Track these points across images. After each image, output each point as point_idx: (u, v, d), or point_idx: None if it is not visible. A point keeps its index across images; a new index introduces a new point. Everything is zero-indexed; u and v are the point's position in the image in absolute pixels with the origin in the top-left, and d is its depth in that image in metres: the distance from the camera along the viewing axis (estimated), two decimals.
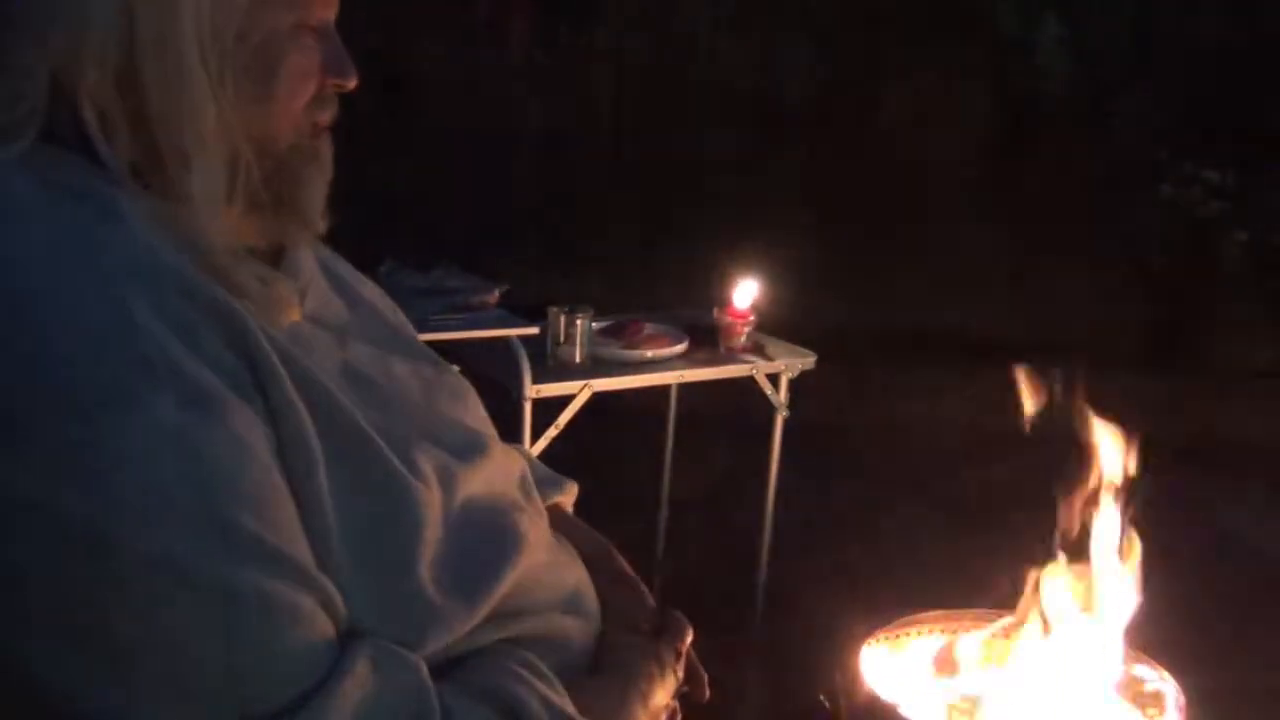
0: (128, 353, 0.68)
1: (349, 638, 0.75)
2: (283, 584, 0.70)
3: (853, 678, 1.51)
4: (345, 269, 1.06)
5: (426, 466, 0.84)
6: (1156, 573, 1.56)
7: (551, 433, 2.34)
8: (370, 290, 1.08)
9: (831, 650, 1.58)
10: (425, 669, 0.77)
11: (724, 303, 2.65)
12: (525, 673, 0.84)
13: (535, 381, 2.29)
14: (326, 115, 0.89)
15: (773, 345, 2.70)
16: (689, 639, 1.04)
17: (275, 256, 0.91)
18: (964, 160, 5.31)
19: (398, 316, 1.09)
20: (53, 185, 0.74)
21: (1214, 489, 3.96)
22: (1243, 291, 5.34)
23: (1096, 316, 5.22)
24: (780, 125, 5.44)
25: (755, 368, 2.60)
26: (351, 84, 0.88)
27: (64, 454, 0.65)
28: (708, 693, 1.07)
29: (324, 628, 0.73)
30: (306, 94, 0.86)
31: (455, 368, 1.10)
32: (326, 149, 0.90)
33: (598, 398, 2.39)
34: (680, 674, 1.01)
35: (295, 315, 0.85)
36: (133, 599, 0.66)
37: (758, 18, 5.46)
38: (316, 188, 0.89)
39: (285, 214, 0.87)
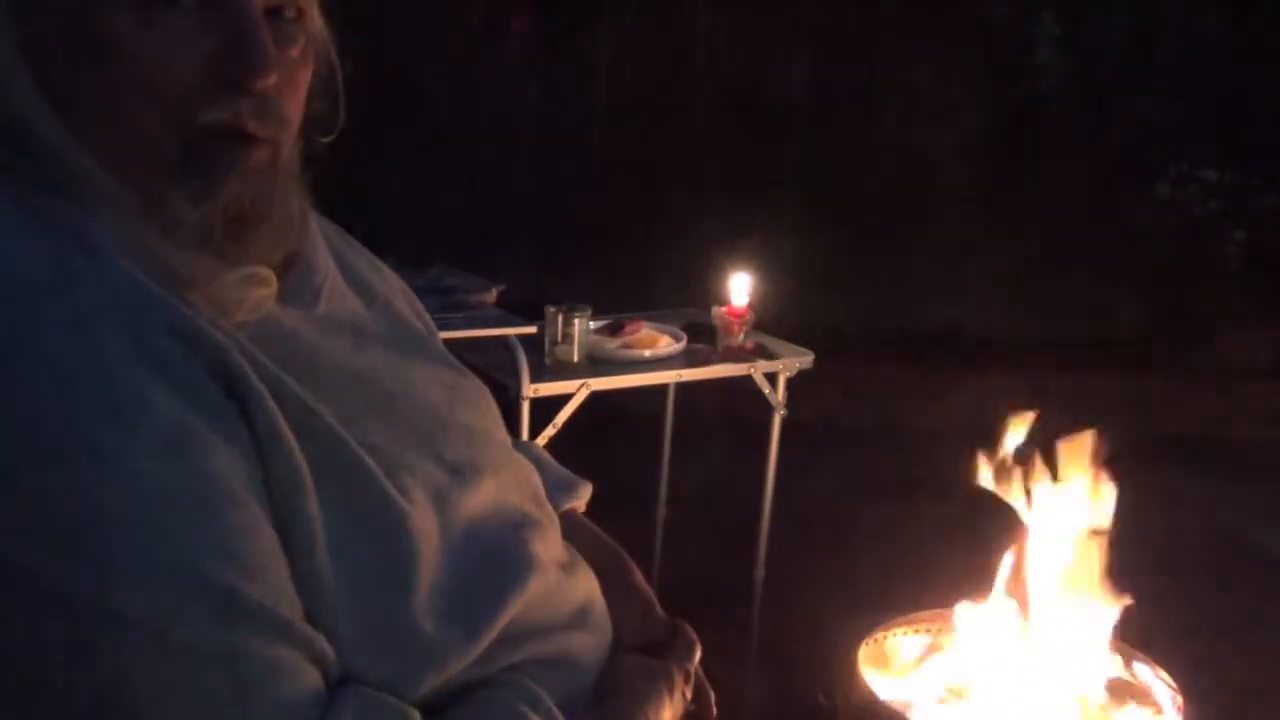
0: (100, 399, 0.65)
1: (337, 688, 0.72)
2: (264, 640, 0.67)
3: (851, 676, 1.51)
4: (363, 260, 1.03)
5: (421, 491, 0.81)
6: (1156, 572, 1.56)
7: (549, 432, 2.33)
8: (390, 285, 1.04)
9: (830, 649, 1.58)
10: (418, 717, 0.74)
11: (722, 302, 2.65)
12: (530, 713, 0.81)
13: (533, 381, 2.29)
14: (229, 115, 0.76)
15: (771, 344, 2.70)
16: (697, 657, 1.02)
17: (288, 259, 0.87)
18: (962, 159, 5.31)
19: (418, 314, 1.06)
20: (27, 214, 0.71)
21: (1213, 488, 3.96)
22: (1240, 290, 5.34)
23: (1094, 316, 5.22)
24: (778, 124, 5.44)
25: (753, 367, 2.60)
26: (259, 81, 0.76)
27: (33, 509, 0.62)
28: (715, 711, 1.04)
29: (309, 682, 0.70)
30: (176, 85, 0.74)
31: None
32: (270, 174, 0.80)
33: (596, 396, 2.39)
34: (688, 694, 0.99)
35: (267, 304, 0.80)
36: (103, 662, 0.63)
37: (756, 16, 5.46)
38: (265, 229, 0.81)
39: (245, 243, 0.79)
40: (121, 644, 0.63)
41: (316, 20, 0.85)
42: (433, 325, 1.08)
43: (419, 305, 1.08)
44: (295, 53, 0.81)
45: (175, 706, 0.65)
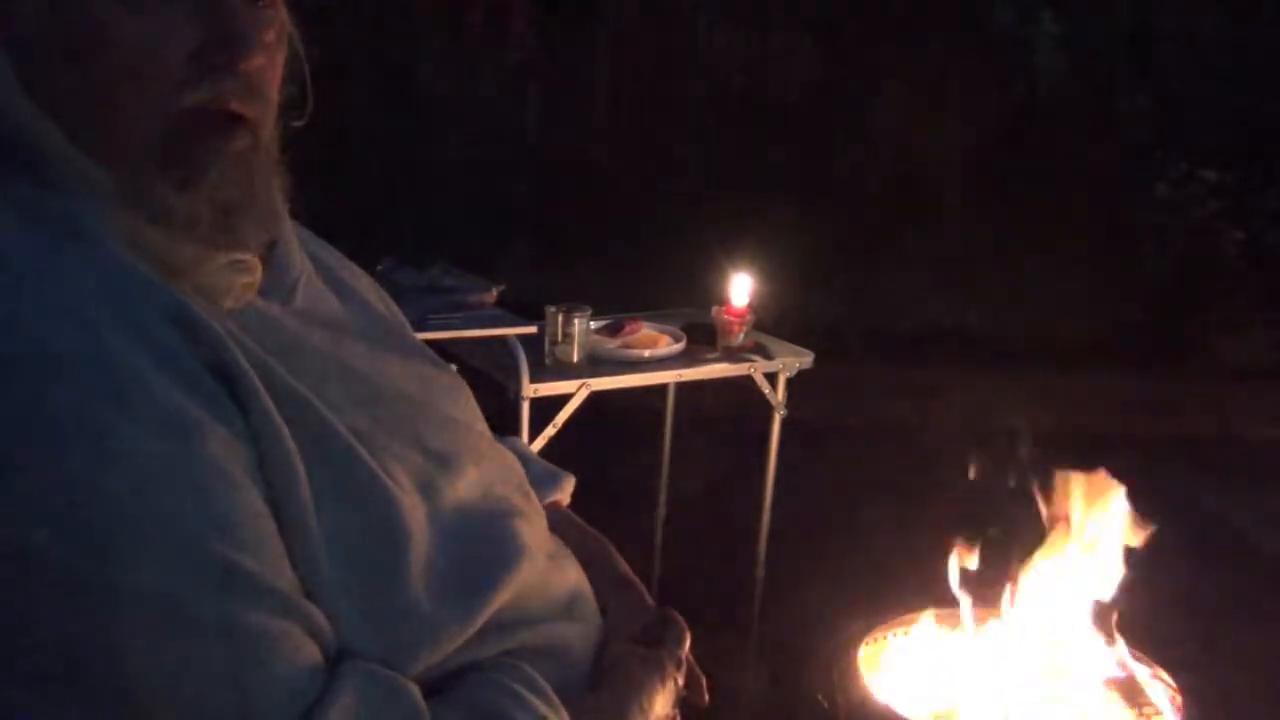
0: (100, 383, 0.66)
1: (338, 663, 0.73)
2: (265, 614, 0.68)
3: (850, 676, 1.51)
4: (335, 259, 1.04)
5: (407, 478, 0.82)
6: (1155, 571, 1.57)
7: (549, 432, 2.34)
8: (362, 282, 1.05)
9: (829, 648, 1.58)
10: (419, 693, 0.75)
11: (722, 301, 2.65)
12: (525, 691, 0.82)
13: (533, 381, 2.29)
14: (213, 96, 0.77)
15: (771, 344, 2.69)
16: (688, 644, 1.03)
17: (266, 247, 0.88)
18: (962, 159, 5.31)
19: (391, 310, 1.07)
20: (19, 207, 0.72)
21: (1213, 488, 3.96)
22: (1240, 290, 5.35)
23: (1094, 316, 5.23)
24: (778, 123, 5.44)
25: (753, 367, 2.60)
26: (243, 62, 0.77)
27: (37, 493, 0.63)
28: (707, 697, 1.05)
29: (308, 655, 0.71)
30: (162, 71, 0.75)
31: (452, 366, 1.08)
32: (251, 159, 0.81)
33: (595, 396, 2.39)
34: (681, 681, 1.00)
35: (250, 294, 0.82)
36: (104, 638, 0.64)
37: (755, 15, 5.46)
38: (253, 209, 0.82)
39: (232, 228, 0.80)
40: (122, 620, 0.64)
41: (283, 8, 0.86)
42: (405, 320, 1.09)
43: (391, 302, 1.09)
44: (272, 36, 0.82)
45: (176, 680, 0.66)
